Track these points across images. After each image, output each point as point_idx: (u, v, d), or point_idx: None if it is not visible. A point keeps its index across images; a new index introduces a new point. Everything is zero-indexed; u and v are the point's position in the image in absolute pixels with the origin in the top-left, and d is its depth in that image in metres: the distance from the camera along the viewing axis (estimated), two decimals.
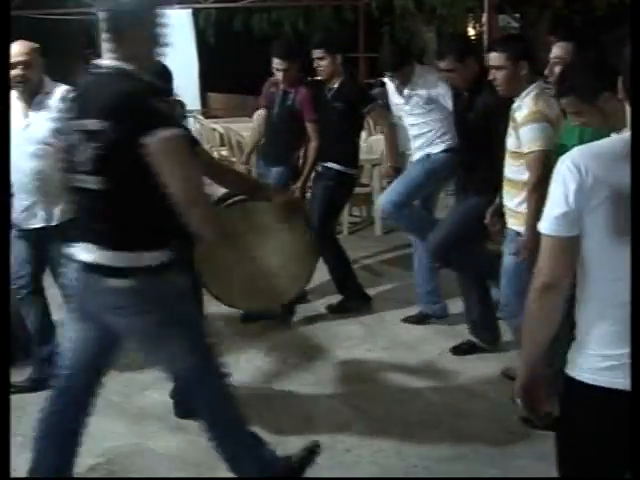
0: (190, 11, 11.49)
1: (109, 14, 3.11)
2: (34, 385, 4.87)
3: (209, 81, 13.95)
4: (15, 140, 4.28)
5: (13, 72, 4.62)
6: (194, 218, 3.06)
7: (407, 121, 5.91)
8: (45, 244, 4.86)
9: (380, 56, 6.06)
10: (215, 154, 9.79)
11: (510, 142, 4.33)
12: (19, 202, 4.81)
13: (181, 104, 8.88)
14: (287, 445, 4.02)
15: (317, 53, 5.91)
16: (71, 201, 3.40)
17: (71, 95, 3.40)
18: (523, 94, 4.31)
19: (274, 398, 4.80)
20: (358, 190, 7.83)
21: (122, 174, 3.07)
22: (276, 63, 5.97)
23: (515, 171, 4.32)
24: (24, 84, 4.76)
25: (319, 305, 6.29)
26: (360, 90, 6.22)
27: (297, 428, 4.39)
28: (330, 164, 6.00)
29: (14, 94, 4.76)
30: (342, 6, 14.85)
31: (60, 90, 4.71)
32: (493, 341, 5.29)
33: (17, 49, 4.69)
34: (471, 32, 17.08)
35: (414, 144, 5.85)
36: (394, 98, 6.22)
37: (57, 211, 4.87)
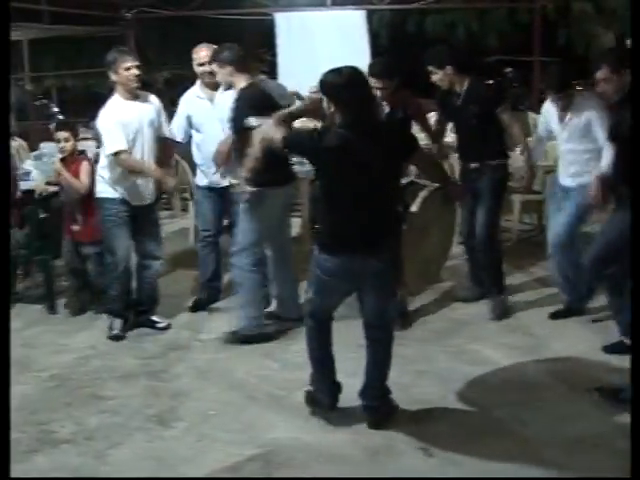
0: (364, 12, 11.53)
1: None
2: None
3: None
4: (205, 119, 6.01)
5: (201, 69, 6.00)
6: None
7: (563, 148, 5.73)
8: (227, 200, 5.97)
9: (547, 72, 5.84)
10: None
11: None
12: (211, 167, 6.01)
13: None
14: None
15: (430, 68, 5.90)
16: None
17: None
18: None
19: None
20: (530, 197, 7.66)
21: None
22: (372, 82, 5.90)
23: None
24: (210, 76, 5.85)
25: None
26: (489, 90, 6.04)
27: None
28: (487, 161, 5.85)
29: (199, 84, 6.13)
30: (517, 8, 14.54)
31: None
32: None
33: (204, 52, 5.94)
34: None
35: (568, 170, 5.70)
36: (552, 124, 5.81)
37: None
